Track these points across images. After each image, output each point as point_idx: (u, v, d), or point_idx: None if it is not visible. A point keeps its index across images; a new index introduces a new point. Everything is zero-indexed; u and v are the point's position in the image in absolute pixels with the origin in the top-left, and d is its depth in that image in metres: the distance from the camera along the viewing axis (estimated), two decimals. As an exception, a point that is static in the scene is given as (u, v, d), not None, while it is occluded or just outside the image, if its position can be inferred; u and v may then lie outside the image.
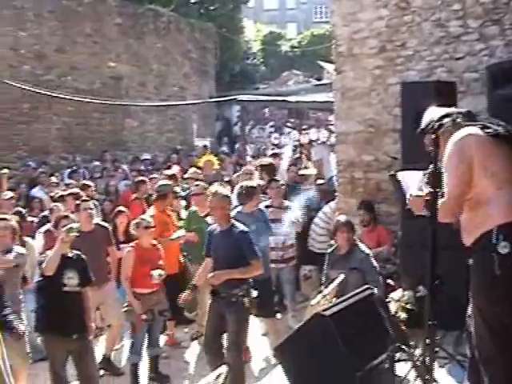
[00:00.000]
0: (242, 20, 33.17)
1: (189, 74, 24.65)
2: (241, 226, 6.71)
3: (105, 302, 7.98)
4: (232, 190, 10.52)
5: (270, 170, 10.32)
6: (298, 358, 4.87)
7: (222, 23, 28.62)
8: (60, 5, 19.35)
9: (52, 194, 11.41)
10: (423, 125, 4.39)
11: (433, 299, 4.44)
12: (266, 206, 8.68)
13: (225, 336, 6.74)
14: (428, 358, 4.49)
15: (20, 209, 10.07)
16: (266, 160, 11.64)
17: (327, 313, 4.73)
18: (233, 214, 8.20)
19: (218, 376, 4.20)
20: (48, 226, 8.59)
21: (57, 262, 6.18)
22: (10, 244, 7.00)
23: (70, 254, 6.48)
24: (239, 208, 8.11)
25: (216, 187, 7.05)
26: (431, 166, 4.23)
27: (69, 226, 6.25)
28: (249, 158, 16.13)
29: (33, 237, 8.84)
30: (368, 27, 9.22)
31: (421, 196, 4.50)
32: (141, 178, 11.62)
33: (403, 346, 5.29)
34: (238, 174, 11.35)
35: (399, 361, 5.38)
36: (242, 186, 8.17)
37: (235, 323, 6.53)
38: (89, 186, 11.56)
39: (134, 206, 10.41)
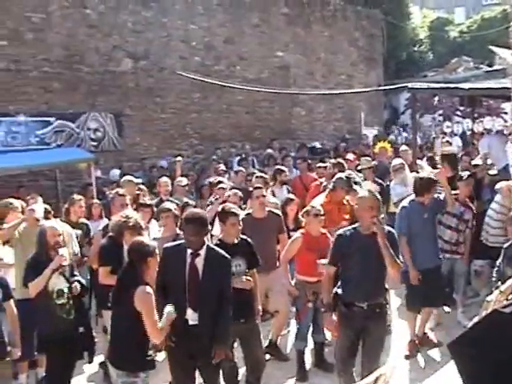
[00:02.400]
0: (408, 6, 32.44)
1: (356, 62, 24.52)
2: (386, 227, 6.26)
3: (272, 289, 8.01)
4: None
5: (452, 160, 10.06)
6: (472, 356, 4.67)
7: (388, 10, 28.08)
8: (228, -3, 19.84)
9: (211, 180, 11.74)
10: None
11: None
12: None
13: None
14: None
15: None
16: (448, 150, 11.37)
17: (507, 310, 4.50)
18: (405, 202, 8.11)
19: (377, 379, 4.11)
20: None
21: None
22: (174, 230, 7.40)
23: (236, 241, 6.57)
24: (412, 196, 7.99)
25: (368, 186, 6.51)
26: None
27: None
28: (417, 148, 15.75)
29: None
30: (548, 6, 8.60)
31: None
32: (322, 164, 11.66)
33: None
34: (393, 165, 11.06)
35: None
36: (421, 178, 8.00)
37: (379, 334, 6.21)
38: (282, 171, 11.72)
39: (314, 192, 10.45)
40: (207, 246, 5.88)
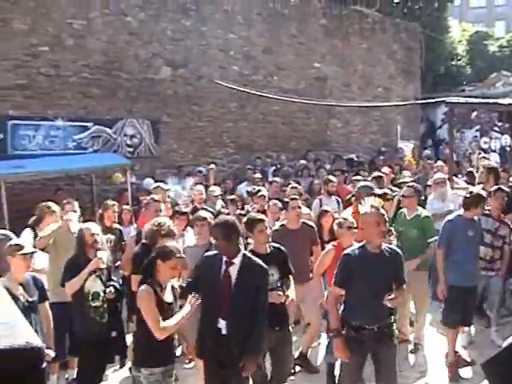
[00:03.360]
0: (447, 19, 32.09)
1: (394, 74, 24.34)
2: (392, 246, 6.13)
3: (305, 300, 7.99)
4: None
5: (497, 174, 9.98)
6: (507, 376, 4.59)
7: (426, 23, 27.84)
8: (267, 7, 19.81)
9: (249, 189, 11.79)
10: None
11: None
12: (484, 214, 8.41)
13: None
14: None
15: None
16: (490, 163, 11.34)
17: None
18: (452, 216, 8.03)
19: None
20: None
21: None
22: (209, 238, 7.41)
23: (268, 250, 6.54)
24: (461, 211, 7.91)
25: (371, 201, 6.04)
26: None
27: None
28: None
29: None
30: None
31: None
32: (358, 177, 11.86)
33: None
34: (434, 179, 11.05)
35: None
36: (470, 192, 7.94)
37: (391, 356, 5.99)
38: (330, 181, 11.74)
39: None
40: (243, 254, 5.81)
